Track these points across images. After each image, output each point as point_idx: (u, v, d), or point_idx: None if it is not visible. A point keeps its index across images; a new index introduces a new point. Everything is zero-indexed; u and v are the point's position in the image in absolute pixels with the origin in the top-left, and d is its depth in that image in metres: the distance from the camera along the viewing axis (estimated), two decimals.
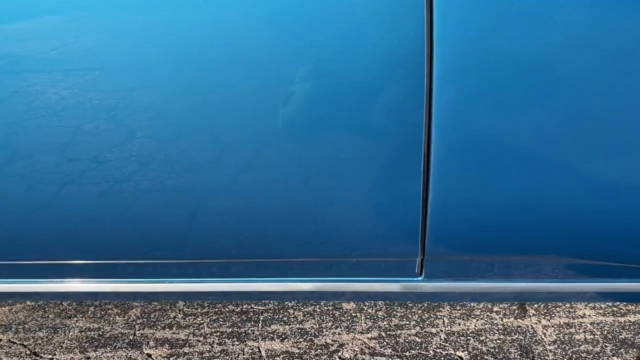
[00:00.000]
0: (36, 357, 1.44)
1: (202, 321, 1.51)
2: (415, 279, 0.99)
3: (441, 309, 1.48)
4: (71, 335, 1.49)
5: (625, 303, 1.46)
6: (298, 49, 0.78)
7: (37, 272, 1.14)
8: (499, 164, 0.83)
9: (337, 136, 0.82)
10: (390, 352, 1.37)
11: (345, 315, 1.49)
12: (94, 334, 1.49)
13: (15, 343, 1.48)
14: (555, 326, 1.42)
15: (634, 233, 0.92)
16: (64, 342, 1.48)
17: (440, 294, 1.03)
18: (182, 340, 1.46)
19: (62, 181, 0.98)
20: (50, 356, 1.44)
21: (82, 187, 0.98)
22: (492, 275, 1.00)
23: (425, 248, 0.91)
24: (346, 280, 1.01)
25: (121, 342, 1.46)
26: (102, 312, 1.56)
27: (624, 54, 0.75)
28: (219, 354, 1.41)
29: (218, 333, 1.47)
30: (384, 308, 1.50)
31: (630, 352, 1.33)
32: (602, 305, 1.46)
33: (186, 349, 1.43)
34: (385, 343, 1.40)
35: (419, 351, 1.37)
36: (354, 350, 1.39)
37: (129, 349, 1.44)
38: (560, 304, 1.47)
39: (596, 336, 1.38)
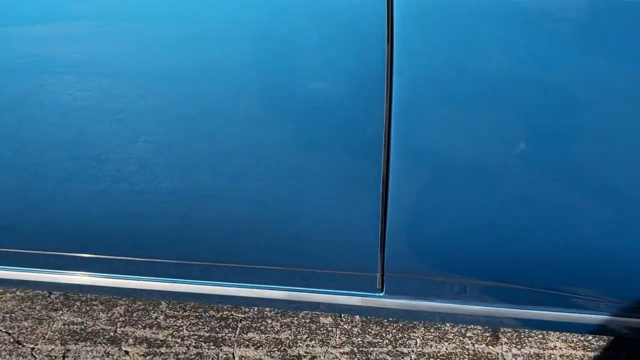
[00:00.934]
0: (18, 346, 1.49)
1: (182, 324, 1.55)
2: (376, 294, 1.02)
3: (415, 329, 1.51)
4: (54, 327, 1.54)
5: (598, 337, 1.47)
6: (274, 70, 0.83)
7: (28, 261, 1.19)
8: (460, 182, 0.87)
9: (302, 151, 0.87)
10: None
11: (322, 329, 1.52)
12: (76, 328, 1.54)
13: (0, 330, 1.53)
14: (525, 355, 1.44)
15: (597, 266, 0.94)
16: (47, 334, 1.52)
17: (400, 311, 1.06)
18: (161, 340, 1.50)
19: (64, 177, 1.04)
20: (32, 346, 1.49)
21: (82, 184, 1.03)
22: (452, 296, 1.03)
23: (385, 264, 0.94)
24: (315, 291, 1.05)
25: (102, 338, 1.51)
26: (87, 308, 1.61)
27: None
28: (194, 356, 1.45)
29: (196, 336, 1.51)
30: (360, 325, 1.53)
31: None
32: (574, 339, 1.48)
33: (163, 349, 1.47)
34: (356, 358, 1.43)
35: None
36: None
37: (109, 344, 1.49)
38: (533, 334, 1.49)
39: None
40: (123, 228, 1.10)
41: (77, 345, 1.48)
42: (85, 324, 1.55)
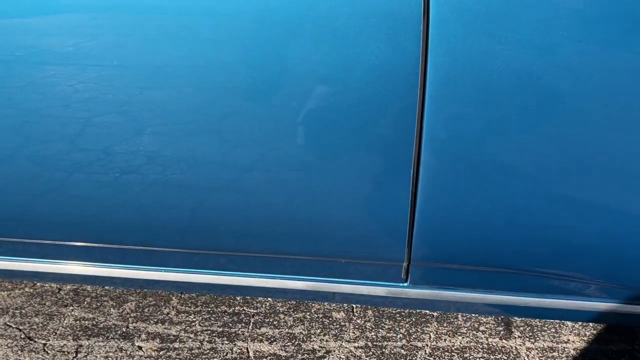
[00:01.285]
0: (30, 341, 1.47)
1: (194, 319, 1.54)
2: (401, 284, 1.02)
3: (428, 324, 1.51)
4: (66, 323, 1.53)
5: (610, 331, 1.48)
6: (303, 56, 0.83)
7: (39, 251, 1.18)
8: (489, 174, 0.87)
9: (331, 139, 0.87)
10: None
11: (334, 324, 1.52)
12: (88, 324, 1.53)
13: (11, 326, 1.52)
14: (539, 349, 1.44)
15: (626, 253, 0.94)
16: (58, 329, 1.51)
17: (425, 301, 1.06)
18: (174, 335, 1.49)
19: (72, 168, 1.03)
20: (43, 341, 1.47)
21: (89, 175, 1.03)
22: (478, 286, 1.03)
23: (412, 254, 0.94)
24: (336, 281, 1.05)
25: (114, 333, 1.50)
26: (98, 303, 1.60)
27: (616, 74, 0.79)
28: (208, 351, 1.44)
29: (209, 331, 1.50)
30: (373, 319, 1.53)
31: None
32: (587, 333, 1.48)
33: (176, 344, 1.46)
34: (371, 353, 1.43)
35: None
36: (340, 357, 1.42)
37: (121, 340, 1.48)
38: (546, 328, 1.50)
39: None
40: (136, 218, 1.10)
41: (89, 341, 1.47)
42: (96, 320, 1.54)
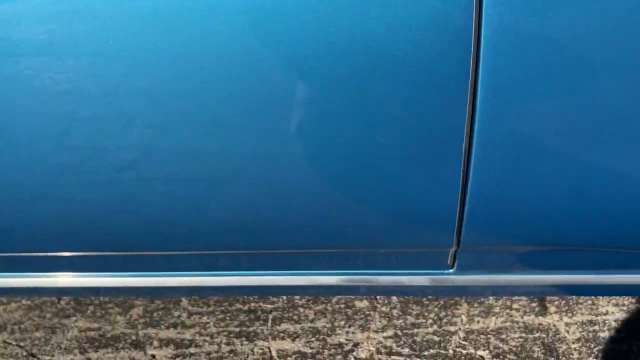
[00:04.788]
0: (33, 359, 1.36)
1: (208, 320, 1.44)
2: (446, 271, 0.93)
3: (458, 306, 1.42)
4: (70, 336, 1.42)
5: None
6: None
7: (34, 265, 1.07)
8: (541, 153, 0.78)
9: (370, 117, 0.76)
10: (408, 352, 1.31)
11: (359, 314, 1.43)
12: (94, 334, 1.42)
13: (10, 344, 1.40)
14: (578, 324, 1.36)
15: None
16: (62, 343, 1.40)
17: (470, 287, 0.97)
18: (188, 340, 1.38)
19: (60, 170, 0.92)
20: (48, 357, 1.36)
21: (81, 176, 0.91)
22: (526, 267, 0.94)
23: (461, 238, 0.85)
24: (373, 273, 0.95)
25: (123, 343, 1.39)
26: (103, 312, 1.49)
27: None
28: (227, 354, 1.34)
29: (225, 332, 1.40)
30: (399, 306, 1.44)
31: None
32: (625, 302, 1.41)
33: (192, 349, 1.36)
34: (402, 342, 1.34)
35: (438, 350, 1.31)
36: (370, 349, 1.33)
37: (132, 349, 1.37)
38: (582, 301, 1.42)
39: (622, 334, 1.32)
40: (136, 221, 0.98)
41: (97, 353, 1.36)
42: (103, 330, 1.43)
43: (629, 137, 0.77)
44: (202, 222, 0.95)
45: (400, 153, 0.79)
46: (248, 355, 1.34)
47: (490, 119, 0.74)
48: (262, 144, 0.82)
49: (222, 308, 1.48)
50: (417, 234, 0.86)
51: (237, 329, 1.41)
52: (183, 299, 1.51)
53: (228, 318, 1.44)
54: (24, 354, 1.37)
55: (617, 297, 1.42)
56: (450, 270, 0.93)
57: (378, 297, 1.47)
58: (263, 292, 1.04)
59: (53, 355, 1.37)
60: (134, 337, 1.40)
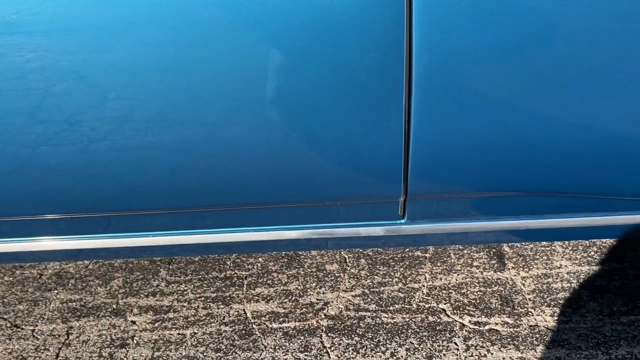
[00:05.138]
0: (17, 329, 1.42)
1: (185, 288, 1.50)
2: (399, 221, 1.00)
3: (422, 265, 1.51)
4: (52, 307, 1.47)
5: (600, 252, 1.50)
6: None
7: (12, 229, 1.12)
8: (482, 97, 0.84)
9: (317, 72, 0.82)
10: (375, 307, 1.39)
11: (329, 276, 1.50)
12: (75, 305, 1.48)
13: None
14: (534, 277, 1.45)
15: (621, 163, 0.92)
16: (45, 314, 1.46)
17: (423, 236, 1.04)
18: (167, 306, 1.45)
19: (39, 140, 0.96)
20: (31, 327, 1.42)
21: (60, 142, 0.96)
22: (475, 214, 1.01)
23: (408, 187, 0.92)
24: (331, 226, 1.02)
25: (104, 311, 1.45)
26: (83, 284, 1.54)
27: None
28: (204, 317, 1.41)
29: (202, 298, 1.47)
30: (367, 267, 1.52)
31: (605, 296, 1.38)
32: (577, 256, 1.50)
33: (171, 315, 1.42)
34: (369, 299, 1.42)
35: (403, 305, 1.39)
36: (339, 307, 1.41)
37: (113, 317, 1.43)
38: (538, 256, 1.51)
39: (573, 284, 1.42)
40: (112, 183, 1.03)
41: (79, 322, 1.42)
42: (84, 300, 1.49)
43: (559, 86, 0.84)
44: (173, 182, 1.00)
45: (345, 107, 0.86)
46: (224, 317, 1.41)
47: (427, 70, 0.80)
48: (225, 110, 0.88)
49: (199, 276, 1.54)
50: (366, 185, 0.93)
51: (214, 295, 1.48)
52: (161, 269, 1.57)
53: (205, 285, 1.51)
54: (8, 325, 1.43)
55: (571, 252, 1.52)
56: (402, 221, 1.00)
57: (348, 260, 1.55)
58: (230, 249, 1.11)
59: (36, 326, 1.42)
60: (114, 306, 1.46)
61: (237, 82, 0.85)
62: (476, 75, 0.82)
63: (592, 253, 1.51)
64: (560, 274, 1.46)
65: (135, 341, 1.36)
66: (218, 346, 1.33)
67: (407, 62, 0.79)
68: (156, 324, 1.40)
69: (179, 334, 1.37)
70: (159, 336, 1.37)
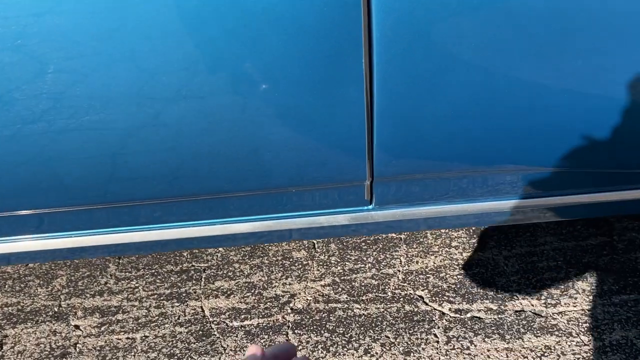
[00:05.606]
0: None
1: (136, 284, 1.35)
2: (365, 207, 0.86)
3: (397, 248, 1.38)
4: None
5: (586, 225, 1.39)
6: None
7: None
8: (445, 73, 0.70)
9: (273, 51, 0.67)
10: (346, 298, 1.26)
11: (296, 264, 1.36)
12: (12, 309, 1.31)
13: None
14: (517, 256, 1.34)
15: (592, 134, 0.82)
16: None
17: (393, 222, 0.90)
18: (115, 307, 1.30)
19: None
20: None
21: None
22: (449, 196, 0.88)
23: (374, 168, 0.78)
24: (288, 216, 0.87)
25: (44, 316, 1.29)
26: (22, 285, 1.38)
27: None
28: (156, 318, 1.26)
29: (155, 295, 1.32)
30: (337, 253, 1.38)
31: (593, 274, 1.27)
32: (563, 231, 1.39)
33: (119, 316, 1.27)
34: (340, 289, 1.29)
35: (377, 294, 1.27)
36: (307, 299, 1.28)
37: (54, 321, 1.28)
38: (521, 233, 1.39)
39: (559, 262, 1.31)
40: (44, 173, 0.87)
41: (15, 329, 1.27)
42: (22, 304, 1.33)
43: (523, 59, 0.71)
44: (118, 172, 0.85)
45: (299, 73, 0.70)
46: (179, 316, 1.26)
47: (386, 50, 0.66)
48: (178, 92, 0.72)
49: (153, 271, 1.39)
50: (327, 167, 0.79)
51: (168, 291, 1.33)
52: (110, 264, 1.41)
53: (158, 280, 1.36)
54: None
55: (555, 226, 1.40)
56: (370, 207, 0.86)
57: (316, 246, 1.41)
58: (184, 245, 0.96)
59: None
60: (56, 309, 1.31)
61: (181, 59, 0.69)
62: (438, 52, 0.68)
63: (579, 227, 1.40)
64: (545, 252, 1.35)
65: (78, 349, 1.21)
66: (172, 351, 1.19)
67: (366, 45, 0.64)
68: (102, 328, 1.25)
69: (127, 338, 1.23)
70: (106, 342, 1.22)
